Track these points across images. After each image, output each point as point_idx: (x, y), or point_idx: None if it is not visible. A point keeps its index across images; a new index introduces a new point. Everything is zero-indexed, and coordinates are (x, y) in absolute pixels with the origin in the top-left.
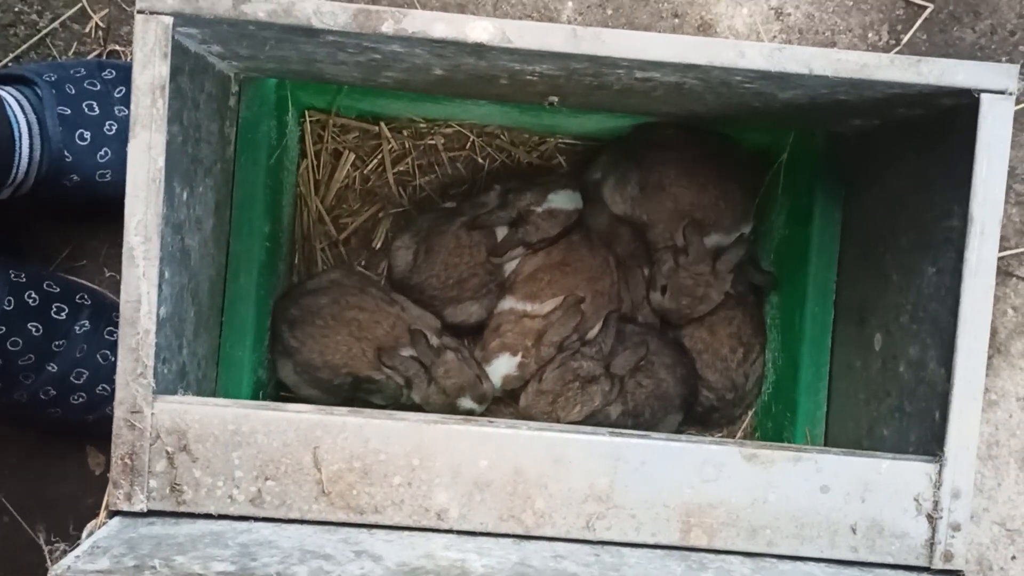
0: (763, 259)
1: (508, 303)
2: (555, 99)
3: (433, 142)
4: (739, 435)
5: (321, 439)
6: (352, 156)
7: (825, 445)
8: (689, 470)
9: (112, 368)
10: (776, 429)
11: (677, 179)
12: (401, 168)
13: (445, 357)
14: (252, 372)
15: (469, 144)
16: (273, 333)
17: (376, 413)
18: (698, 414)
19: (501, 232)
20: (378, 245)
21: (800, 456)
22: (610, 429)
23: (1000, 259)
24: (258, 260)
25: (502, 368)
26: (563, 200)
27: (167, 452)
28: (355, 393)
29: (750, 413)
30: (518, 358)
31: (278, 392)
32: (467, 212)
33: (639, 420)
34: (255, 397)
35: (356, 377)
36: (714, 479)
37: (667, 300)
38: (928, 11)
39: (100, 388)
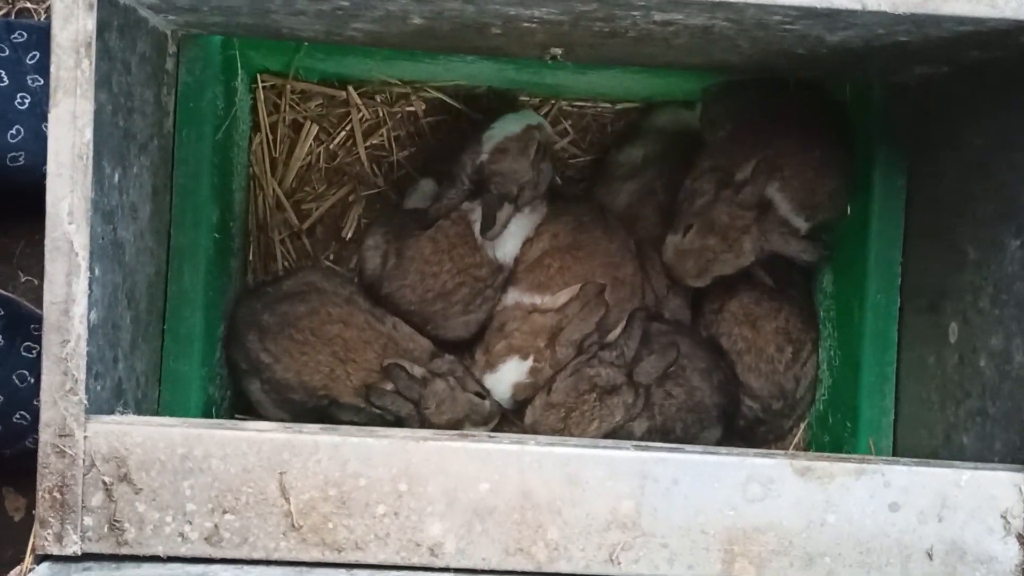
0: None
1: (512, 296)
2: (559, 52)
3: (412, 108)
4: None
5: (289, 463)
6: (315, 128)
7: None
8: (731, 488)
9: (32, 391)
10: (834, 443)
11: (797, 127)
12: (375, 141)
13: (434, 387)
14: (201, 390)
15: (455, 111)
16: (234, 342)
17: (354, 430)
18: (740, 428)
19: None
20: (349, 235)
21: (863, 468)
22: (634, 443)
23: None
24: (205, 255)
25: (511, 375)
26: (505, 126)
27: (104, 483)
28: (328, 412)
29: (802, 425)
30: (529, 362)
31: (233, 413)
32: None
33: (669, 437)
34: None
35: (335, 402)
36: (761, 499)
37: (688, 240)
38: None
39: (18, 416)
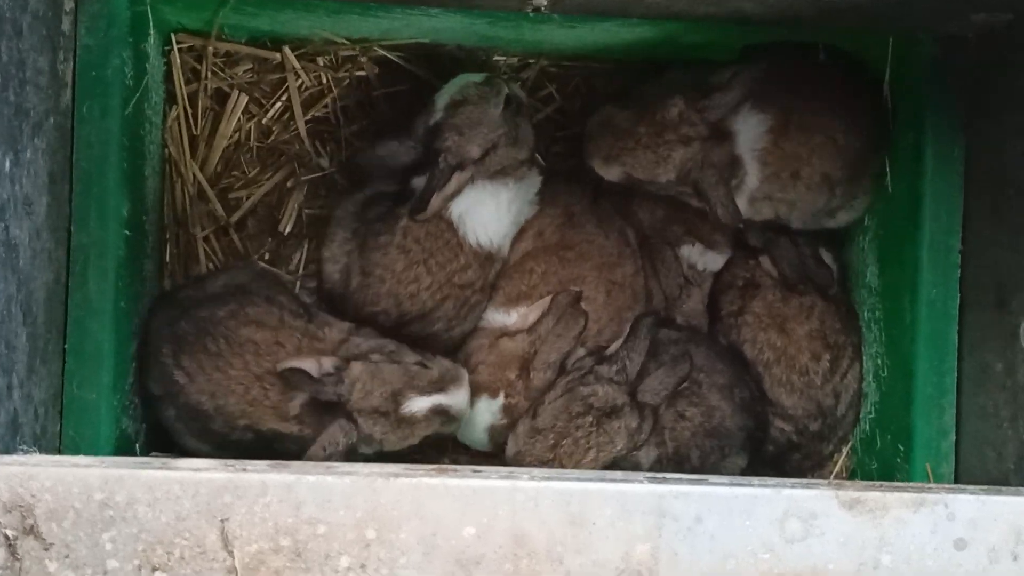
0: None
1: (487, 316)
2: (543, 1)
3: (363, 73)
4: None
5: (232, 508)
6: (243, 99)
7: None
8: (766, 526)
9: None
10: (883, 470)
11: (832, 106)
12: (317, 114)
13: (350, 374)
14: (112, 422)
15: (415, 76)
16: (147, 359)
17: (310, 467)
18: (770, 455)
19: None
20: (287, 228)
21: (923, 499)
22: (648, 474)
23: None
24: (113, 257)
25: (483, 417)
26: (463, 78)
27: (6, 537)
28: (273, 450)
29: (844, 450)
30: (500, 400)
31: (150, 451)
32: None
33: (684, 468)
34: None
35: (258, 433)
36: (802, 538)
37: (624, 114)
38: None
39: None
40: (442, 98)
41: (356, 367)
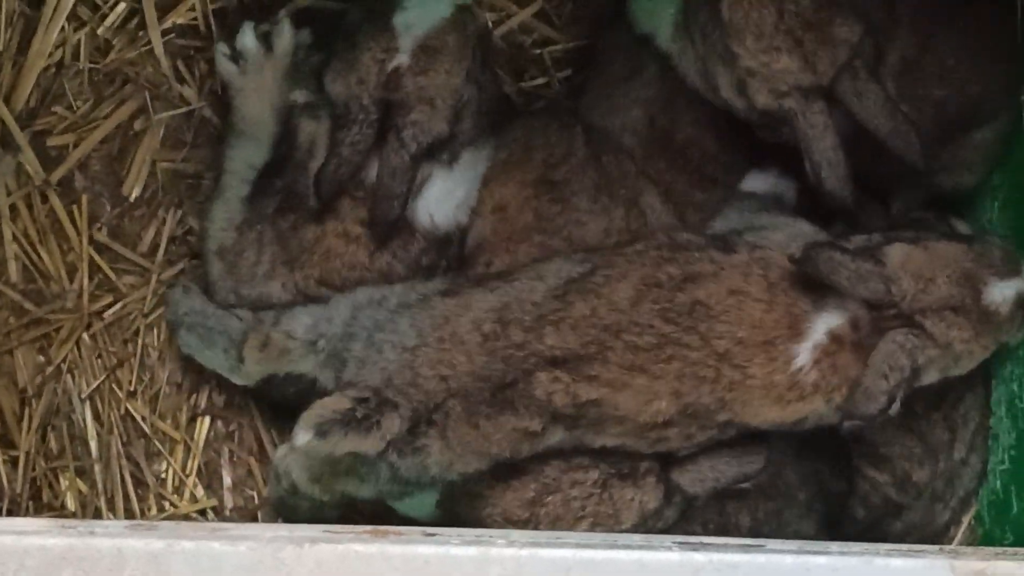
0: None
1: None
2: None
3: None
4: None
5: None
6: None
7: None
8: None
9: None
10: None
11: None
12: (180, 20)
13: (891, 254)
14: None
15: None
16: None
17: (186, 528)
18: (856, 523)
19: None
20: (135, 191)
21: None
22: (679, 537)
23: None
24: None
25: None
26: (429, 5)
27: None
28: None
29: (965, 520)
30: None
31: None
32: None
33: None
34: None
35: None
36: None
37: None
38: None
39: None
40: (405, 35)
41: (899, 248)
